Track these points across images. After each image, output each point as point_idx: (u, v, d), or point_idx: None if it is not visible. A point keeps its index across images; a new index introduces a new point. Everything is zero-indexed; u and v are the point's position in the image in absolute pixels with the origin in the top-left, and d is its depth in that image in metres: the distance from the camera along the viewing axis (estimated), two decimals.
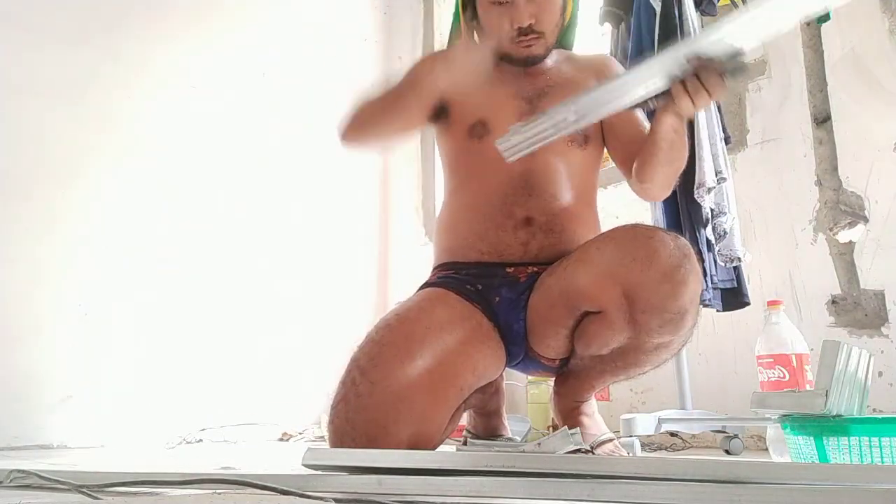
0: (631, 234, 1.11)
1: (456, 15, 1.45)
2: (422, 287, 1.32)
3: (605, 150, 1.40)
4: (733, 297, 1.84)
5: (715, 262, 1.79)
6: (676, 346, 1.17)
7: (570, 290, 1.16)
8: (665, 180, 1.28)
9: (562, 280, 1.19)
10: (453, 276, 1.28)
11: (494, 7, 1.26)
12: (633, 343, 1.14)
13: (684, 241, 1.11)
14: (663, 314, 1.08)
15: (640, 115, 1.34)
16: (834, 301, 1.86)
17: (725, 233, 1.78)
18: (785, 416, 1.01)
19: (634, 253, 1.07)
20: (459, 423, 1.39)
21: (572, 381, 1.28)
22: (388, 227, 3.08)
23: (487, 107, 1.32)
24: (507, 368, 1.32)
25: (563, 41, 1.41)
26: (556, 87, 1.33)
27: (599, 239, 1.17)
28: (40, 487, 0.90)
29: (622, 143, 1.34)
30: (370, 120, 1.30)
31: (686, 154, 1.25)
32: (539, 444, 1.04)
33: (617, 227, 1.15)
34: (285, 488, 0.75)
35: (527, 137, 1.07)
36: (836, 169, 1.91)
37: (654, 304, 1.07)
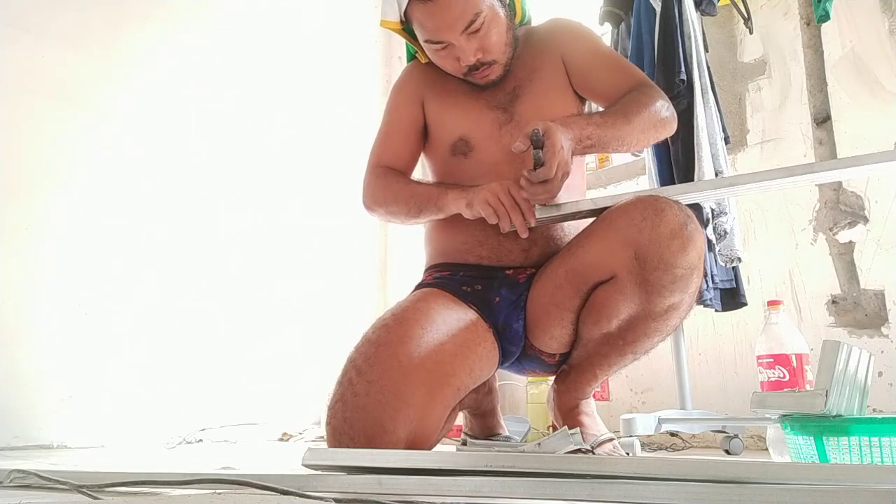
0: (635, 200, 1.14)
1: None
2: (417, 287, 1.33)
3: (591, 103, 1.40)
4: (731, 298, 1.84)
5: (715, 261, 1.79)
6: (684, 310, 1.18)
7: (579, 266, 1.18)
8: (637, 146, 1.33)
9: (568, 260, 1.21)
10: (449, 277, 1.29)
11: (438, 51, 1.26)
12: (644, 310, 1.15)
13: (684, 205, 1.14)
14: (674, 269, 1.10)
15: (605, 56, 1.36)
16: (834, 301, 1.86)
17: (726, 233, 1.77)
18: (785, 416, 1.01)
19: (643, 213, 1.10)
20: (456, 424, 1.39)
21: (574, 376, 1.28)
22: (388, 227, 3.08)
23: (465, 123, 1.34)
24: (502, 369, 1.32)
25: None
26: (525, 84, 1.33)
27: (602, 217, 1.19)
28: (40, 487, 0.90)
29: (604, 96, 1.34)
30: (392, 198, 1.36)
31: (620, 131, 1.23)
32: (539, 444, 1.05)
33: (618, 204, 1.16)
34: (285, 488, 0.75)
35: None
36: None
37: (666, 260, 1.09)
